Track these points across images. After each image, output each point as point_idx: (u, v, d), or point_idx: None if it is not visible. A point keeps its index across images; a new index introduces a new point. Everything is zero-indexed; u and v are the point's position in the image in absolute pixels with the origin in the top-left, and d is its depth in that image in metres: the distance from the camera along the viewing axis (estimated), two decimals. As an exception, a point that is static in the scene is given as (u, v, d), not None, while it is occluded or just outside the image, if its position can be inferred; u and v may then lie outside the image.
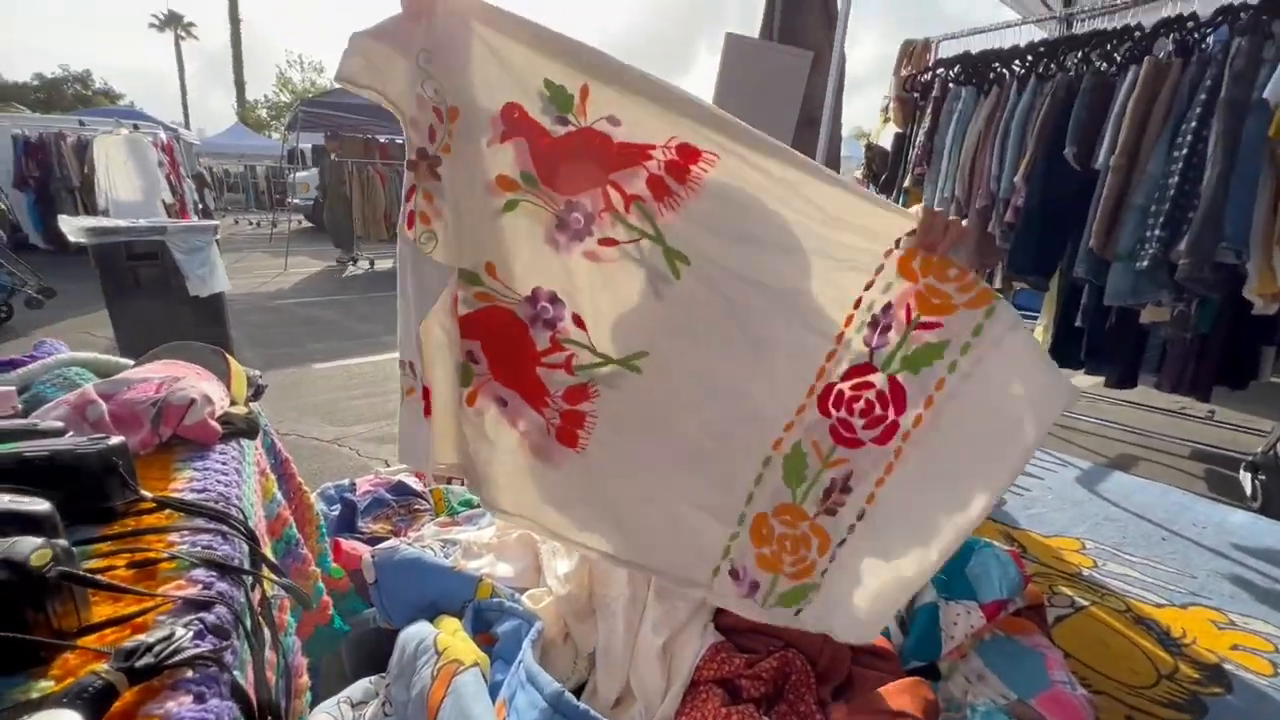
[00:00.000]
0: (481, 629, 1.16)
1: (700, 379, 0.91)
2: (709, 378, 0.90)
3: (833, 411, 0.87)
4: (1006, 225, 2.50)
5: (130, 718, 0.41)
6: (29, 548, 0.45)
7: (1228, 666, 1.50)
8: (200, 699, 0.43)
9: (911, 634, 1.23)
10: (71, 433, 0.74)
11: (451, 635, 1.06)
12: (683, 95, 0.80)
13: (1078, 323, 2.60)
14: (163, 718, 0.41)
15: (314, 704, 1.10)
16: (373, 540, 1.65)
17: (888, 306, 0.83)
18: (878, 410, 0.84)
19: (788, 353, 0.87)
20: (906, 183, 2.91)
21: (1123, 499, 2.34)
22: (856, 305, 0.85)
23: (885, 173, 3.14)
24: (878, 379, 0.84)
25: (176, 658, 0.43)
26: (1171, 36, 2.16)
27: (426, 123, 0.83)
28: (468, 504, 1.78)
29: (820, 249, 0.84)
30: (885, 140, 3.32)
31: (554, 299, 0.89)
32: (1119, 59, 2.27)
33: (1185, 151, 1.99)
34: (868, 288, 0.84)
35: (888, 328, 0.83)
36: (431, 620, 1.19)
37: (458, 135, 0.83)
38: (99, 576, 0.51)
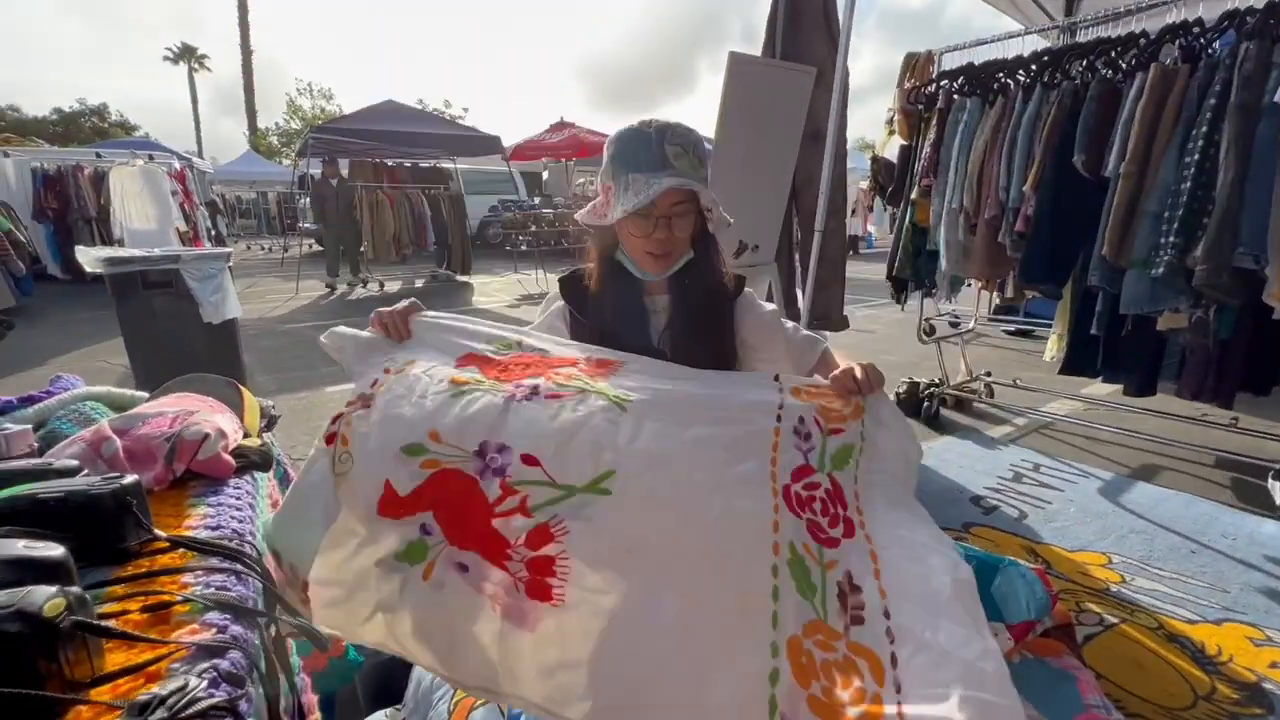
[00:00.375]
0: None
1: (675, 491, 0.86)
2: (684, 490, 0.86)
3: (800, 512, 0.88)
4: (1017, 234, 2.49)
5: (144, 776, 0.39)
6: (42, 598, 0.44)
7: (1268, 686, 1.45)
8: (215, 753, 0.42)
9: (938, 658, 1.20)
10: (86, 471, 0.74)
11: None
12: (588, 351, 1.10)
13: (1093, 330, 2.56)
14: (177, 774, 0.39)
15: (329, 739, 1.09)
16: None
17: (800, 419, 0.97)
18: (831, 509, 0.90)
19: (739, 454, 0.91)
20: (914, 195, 2.90)
21: (1148, 510, 2.29)
22: (778, 419, 0.97)
23: (891, 185, 3.14)
24: (820, 478, 0.93)
25: (191, 709, 0.42)
26: (1177, 42, 2.15)
27: (372, 379, 0.99)
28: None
29: (729, 385, 1.05)
30: (891, 153, 3.32)
31: (502, 448, 0.88)
32: (1125, 66, 2.27)
33: (1197, 157, 1.97)
34: (780, 408, 0.99)
35: (808, 434, 0.96)
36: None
37: (406, 371, 1.00)
38: (112, 624, 0.50)
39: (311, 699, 0.99)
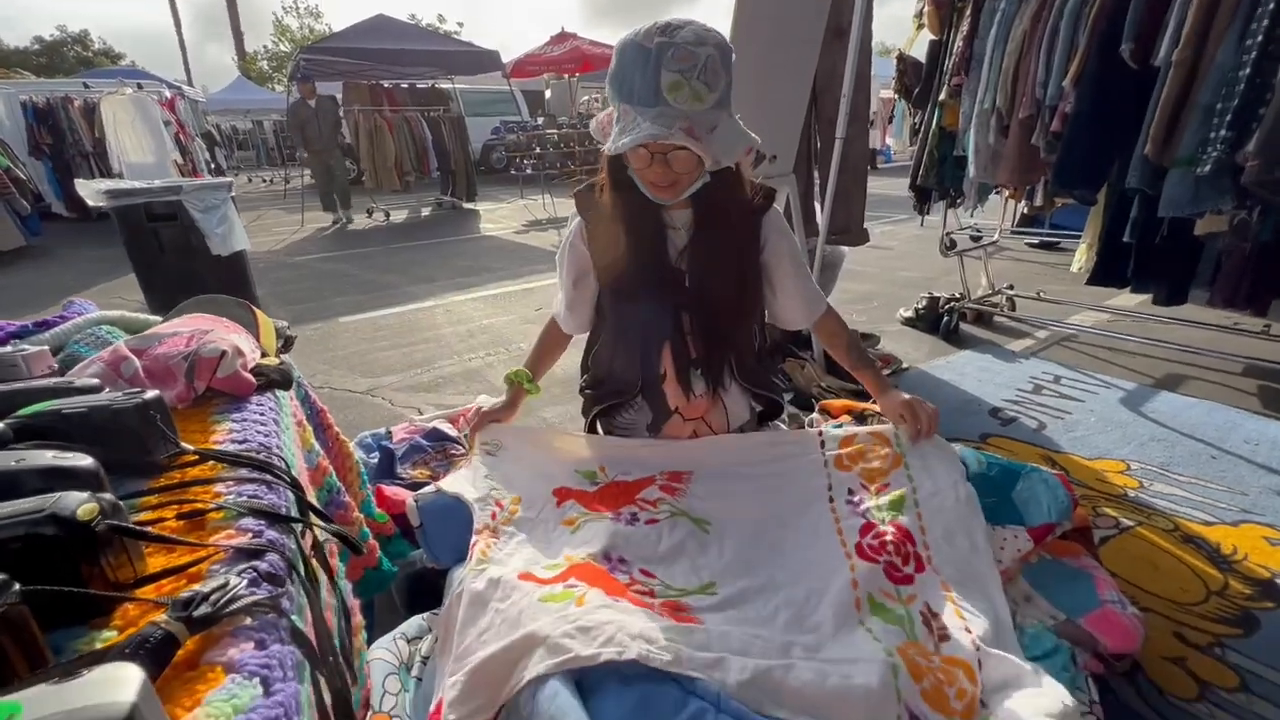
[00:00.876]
0: (526, 567, 1.18)
1: (768, 583, 1.06)
2: (773, 581, 1.07)
3: (876, 558, 1.07)
4: (1052, 135, 2.34)
5: (194, 666, 0.40)
6: (75, 502, 0.44)
7: (1280, 581, 1.47)
8: (262, 645, 0.42)
9: (958, 560, 1.22)
10: (108, 389, 0.73)
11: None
12: (654, 449, 1.33)
13: (1125, 238, 2.45)
14: (226, 664, 0.40)
15: (370, 642, 1.15)
16: (413, 486, 1.68)
17: (849, 490, 1.20)
18: (903, 547, 1.08)
19: (809, 539, 1.14)
20: (942, 95, 2.72)
21: (1169, 419, 2.27)
22: (831, 501, 1.19)
23: (919, 86, 2.94)
24: (884, 528, 1.11)
25: (234, 606, 0.43)
26: (1247, -93, 1.92)
27: (490, 511, 1.19)
28: (503, 448, 1.80)
29: (784, 479, 1.24)
30: (919, 51, 3.09)
31: (622, 559, 1.08)
32: (1185, -63, 2.04)
33: (1260, 39, 1.80)
34: (829, 488, 1.21)
35: (860, 501, 1.17)
36: (477, 560, 1.21)
37: (523, 510, 1.21)
38: (149, 529, 0.50)
39: (355, 602, 1.03)
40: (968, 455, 1.41)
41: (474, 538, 1.12)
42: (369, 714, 0.96)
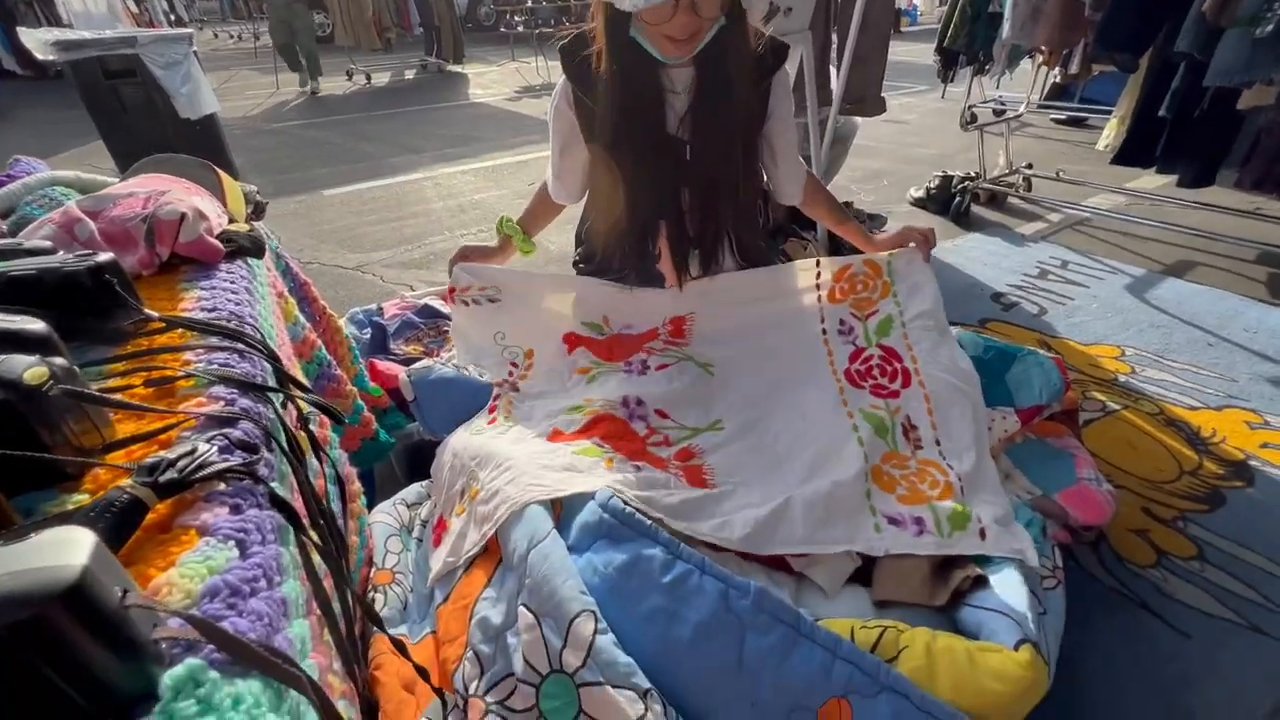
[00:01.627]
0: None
1: (767, 416, 1.20)
2: (772, 412, 1.20)
3: (863, 383, 1.22)
4: (1102, -12, 2.09)
5: (167, 529, 0.40)
6: (21, 366, 0.41)
7: (1253, 463, 1.52)
8: (236, 509, 0.42)
9: (944, 439, 1.25)
10: (61, 252, 0.68)
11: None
12: (657, 296, 1.33)
13: (1162, 111, 2.28)
14: (200, 528, 0.40)
15: (370, 507, 1.19)
16: (406, 361, 1.67)
17: (840, 321, 1.29)
18: (888, 366, 1.22)
19: (805, 371, 1.25)
20: (983, -64, 2.40)
21: (1172, 305, 2.24)
22: (824, 334, 1.29)
23: (958, -75, 2.59)
24: (871, 351, 1.25)
25: (203, 472, 0.42)
26: None
27: (507, 371, 1.32)
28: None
29: (780, 318, 1.32)
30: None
31: (639, 401, 1.17)
32: None
33: None
34: (821, 322, 1.30)
35: (851, 329, 1.28)
36: (470, 431, 1.23)
37: (537, 364, 1.33)
38: (115, 396, 0.48)
39: (350, 470, 1.05)
40: (965, 339, 1.39)
41: (494, 393, 1.26)
42: (373, 571, 1.02)
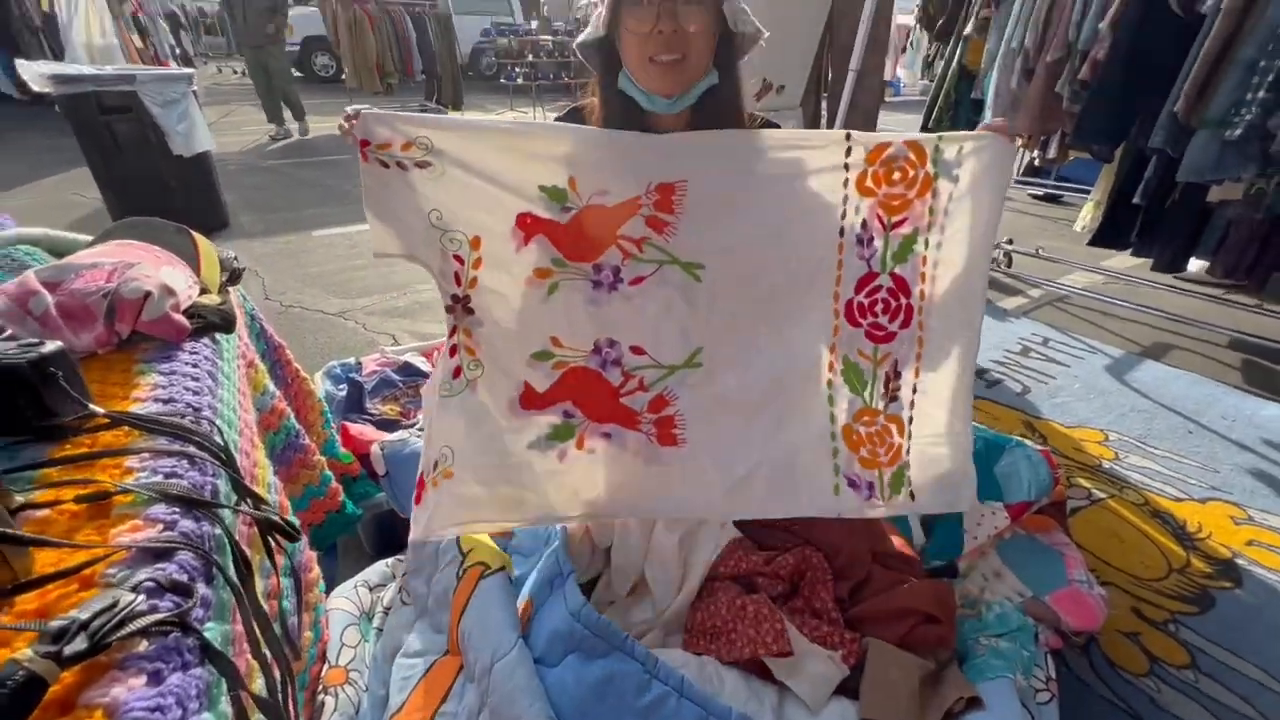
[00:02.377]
0: (494, 522, 1.15)
1: (749, 350, 1.06)
2: (755, 345, 1.06)
3: (861, 320, 1.05)
4: (1079, 84, 2.19)
5: (69, 708, 0.34)
6: (-74, 501, 0.37)
7: (1240, 561, 1.50)
8: (156, 678, 0.36)
9: (934, 535, 1.21)
10: (9, 332, 0.64)
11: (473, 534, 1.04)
12: (644, 146, 0.97)
13: (1136, 199, 2.36)
14: (109, 707, 0.34)
15: (331, 588, 1.12)
16: (381, 423, 1.62)
17: (864, 224, 1.01)
18: (893, 302, 1.04)
19: (804, 291, 1.04)
20: (968, 29, 2.52)
21: (1152, 389, 2.27)
22: (841, 234, 1.02)
23: (943, 17, 2.72)
24: (882, 279, 1.03)
25: (122, 632, 0.36)
26: None
27: (451, 270, 0.98)
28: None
29: (795, 205, 1.01)
30: (947, -25, 2.84)
31: (611, 342, 1.04)
32: None
33: (1319, -8, 1.65)
34: (843, 218, 1.01)
35: (870, 240, 1.01)
36: (443, 510, 1.17)
37: (486, 258, 0.99)
38: (42, 521, 0.43)
39: (309, 555, 0.99)
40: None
41: (447, 317, 1.00)
42: (325, 668, 0.94)
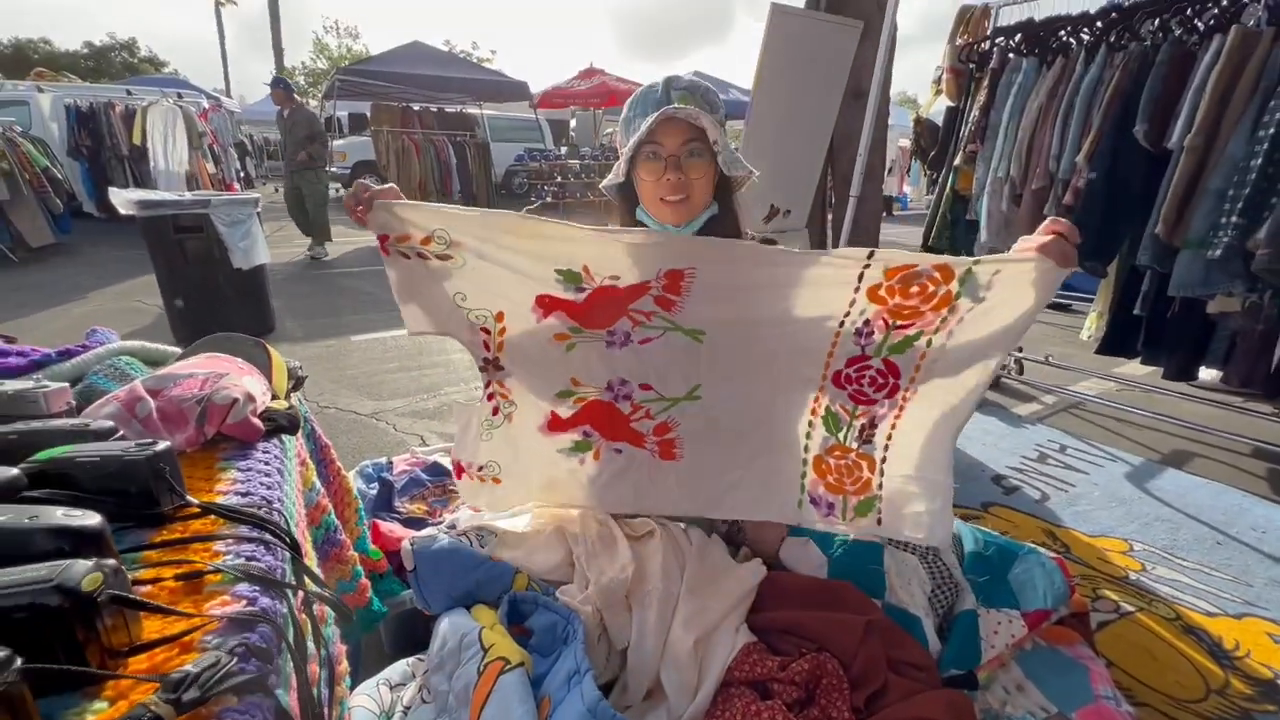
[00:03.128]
0: (516, 620, 1.18)
1: (742, 392, 1.23)
2: (748, 392, 1.22)
3: (846, 385, 1.17)
4: (1064, 208, 2.37)
5: (178, 750, 0.41)
6: (81, 572, 0.46)
7: (1282, 683, 1.44)
8: (245, 729, 0.43)
9: (950, 642, 1.21)
10: (121, 433, 0.75)
11: (493, 630, 1.08)
12: (657, 242, 1.06)
13: (1136, 310, 2.46)
14: (210, 751, 0.41)
15: (353, 685, 1.14)
16: (409, 521, 1.68)
17: (866, 322, 1.09)
18: (880, 380, 1.14)
19: (798, 357, 1.16)
20: (957, 160, 2.77)
21: (1175, 498, 2.25)
22: (841, 324, 1.10)
23: (934, 149, 3.00)
24: (873, 362, 1.13)
25: (222, 686, 0.44)
26: (1264, 1, 1.98)
27: (480, 340, 1.18)
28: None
29: (798, 302, 1.09)
30: (936, 114, 3.16)
31: (623, 381, 1.23)
32: (1202, 27, 2.10)
33: (1272, 131, 1.84)
34: (845, 315, 1.09)
35: (870, 334, 1.10)
36: (467, 608, 1.21)
37: (510, 327, 1.17)
38: (148, 590, 0.51)
39: (340, 648, 1.03)
40: (965, 532, 1.40)
41: (481, 374, 1.23)
42: (346, 766, 0.95)
